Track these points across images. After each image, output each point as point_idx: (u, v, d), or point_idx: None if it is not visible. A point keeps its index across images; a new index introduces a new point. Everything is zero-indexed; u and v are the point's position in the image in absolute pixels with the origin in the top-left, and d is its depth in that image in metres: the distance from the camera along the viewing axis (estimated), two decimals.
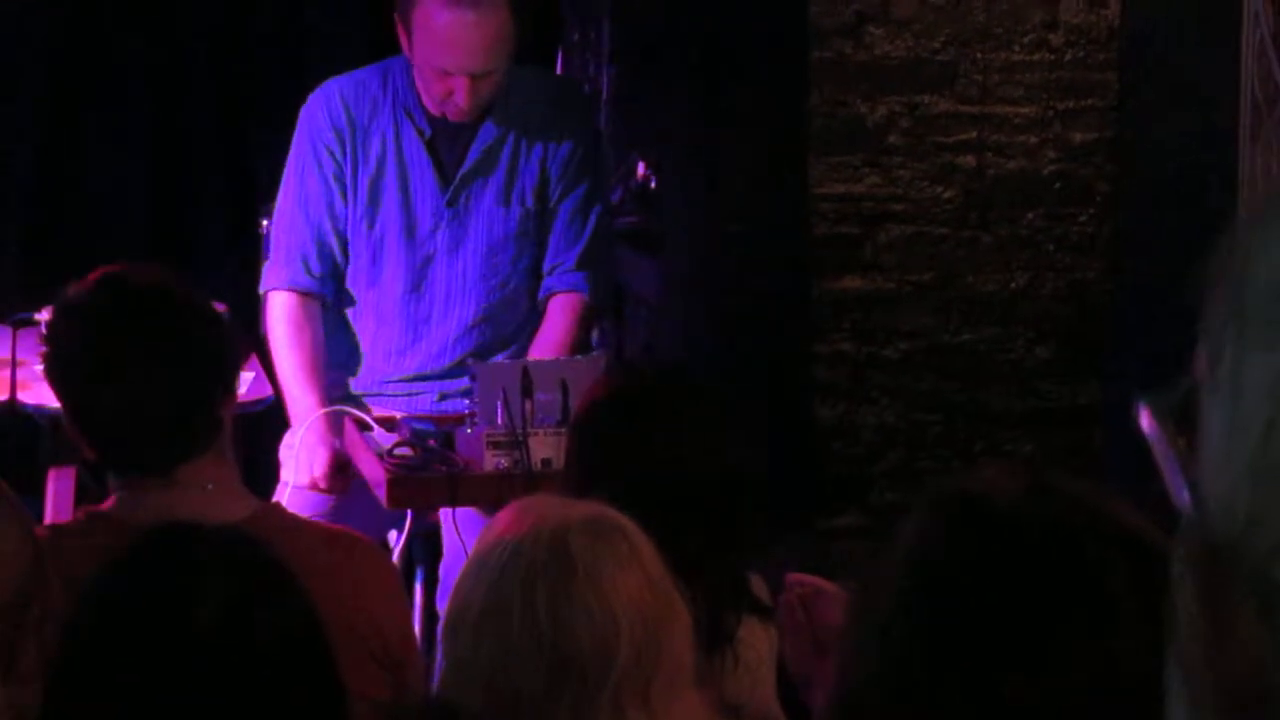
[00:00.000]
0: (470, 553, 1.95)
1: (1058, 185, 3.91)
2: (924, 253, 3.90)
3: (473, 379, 3.34)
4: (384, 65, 3.66)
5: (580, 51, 5.20)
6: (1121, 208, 3.91)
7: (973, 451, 3.90)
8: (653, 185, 4.75)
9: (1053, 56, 3.87)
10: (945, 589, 1.35)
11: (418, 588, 3.53)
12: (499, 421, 3.18)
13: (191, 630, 1.70)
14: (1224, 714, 0.72)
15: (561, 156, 3.66)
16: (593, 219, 3.69)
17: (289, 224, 3.66)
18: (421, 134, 3.61)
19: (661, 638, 1.85)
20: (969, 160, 3.88)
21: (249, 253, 4.17)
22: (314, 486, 3.47)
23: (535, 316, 3.70)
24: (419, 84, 3.57)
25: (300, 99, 3.70)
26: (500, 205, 3.65)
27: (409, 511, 3.41)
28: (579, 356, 3.60)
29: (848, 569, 2.77)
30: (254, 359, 3.69)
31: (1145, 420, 0.77)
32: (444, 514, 3.38)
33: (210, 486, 2.32)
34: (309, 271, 3.63)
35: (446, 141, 3.63)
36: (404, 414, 3.52)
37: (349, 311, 3.70)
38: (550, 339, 3.63)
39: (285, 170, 3.69)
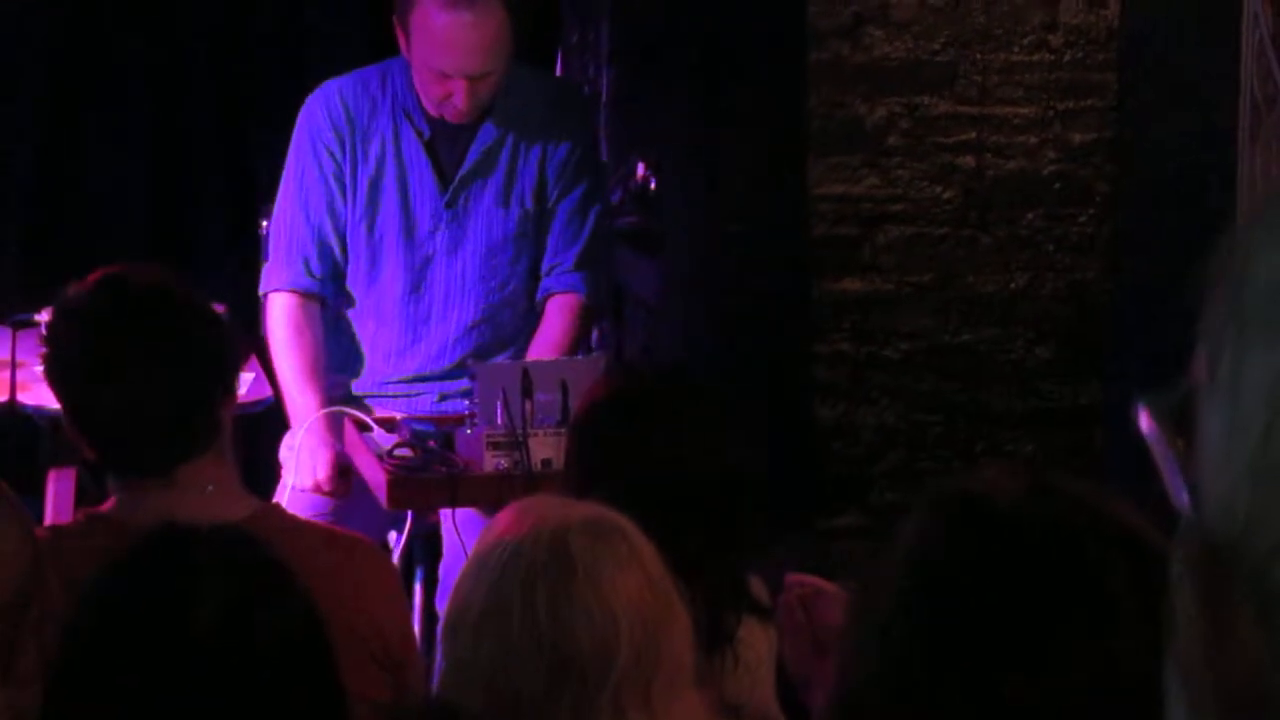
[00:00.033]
0: (470, 553, 1.95)
1: (1057, 186, 3.91)
2: (923, 253, 3.90)
3: (472, 379, 3.34)
4: (383, 66, 3.66)
5: (579, 53, 5.20)
6: (1121, 208, 3.91)
7: (973, 452, 3.90)
8: (652, 186, 4.75)
9: (1052, 57, 3.87)
10: (946, 589, 1.36)
11: (418, 588, 3.53)
12: (499, 422, 3.18)
13: (191, 632, 1.70)
14: (1223, 716, 0.72)
15: (559, 157, 3.66)
16: (591, 219, 3.69)
17: (289, 225, 3.66)
18: (420, 135, 3.61)
19: (661, 638, 1.85)
20: (968, 161, 3.88)
21: (249, 253, 4.17)
22: (317, 490, 3.46)
23: (535, 318, 3.70)
24: (417, 85, 3.57)
25: (300, 99, 3.70)
26: (499, 206, 3.65)
27: (409, 512, 3.41)
28: (578, 357, 3.60)
29: (848, 569, 2.78)
30: (253, 360, 3.69)
31: (1144, 421, 0.77)
32: (444, 515, 3.38)
33: (210, 487, 2.32)
34: (310, 273, 3.63)
35: (445, 143, 3.63)
36: (404, 415, 3.52)
37: (348, 312, 3.70)
38: (548, 340, 3.63)
39: (284, 171, 3.69)
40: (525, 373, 3.20)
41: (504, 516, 1.91)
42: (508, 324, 3.70)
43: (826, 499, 3.91)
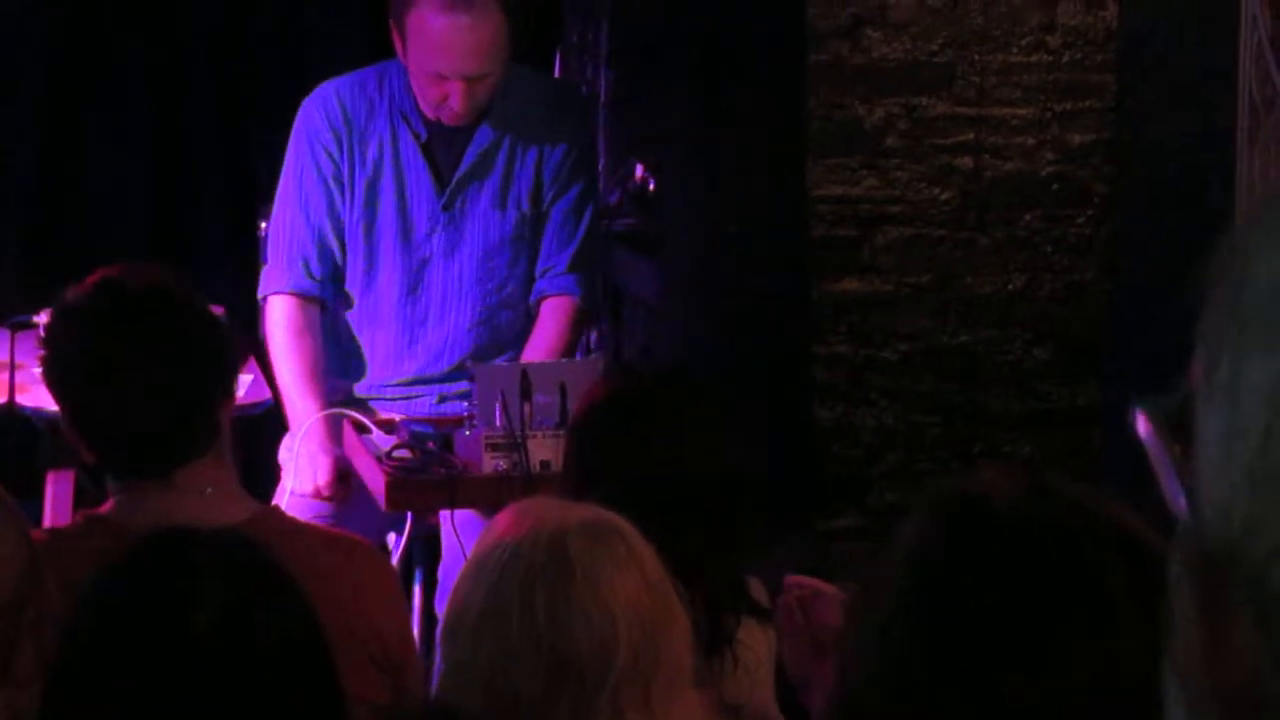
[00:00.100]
0: (469, 555, 1.95)
1: (1055, 187, 3.91)
2: (922, 254, 3.90)
3: (471, 381, 3.34)
4: (380, 68, 3.66)
5: (578, 54, 5.20)
6: (1119, 209, 3.91)
7: (972, 453, 3.90)
8: (651, 187, 4.75)
9: (1050, 58, 3.88)
10: (945, 590, 1.36)
11: (417, 590, 3.53)
12: (498, 424, 3.18)
13: (190, 634, 1.70)
14: (1222, 719, 0.72)
15: (555, 159, 3.66)
16: (585, 221, 3.69)
17: (289, 227, 3.65)
18: (417, 137, 3.61)
19: (660, 640, 1.85)
20: (967, 162, 3.88)
21: (249, 253, 4.17)
22: (316, 495, 3.46)
23: (532, 320, 3.70)
24: (414, 88, 3.57)
25: (300, 99, 3.70)
26: (496, 209, 3.65)
27: (408, 514, 3.41)
28: (577, 359, 3.60)
29: (847, 570, 2.78)
30: (252, 362, 3.69)
31: (1141, 425, 0.77)
32: (443, 516, 3.38)
33: (209, 490, 2.32)
34: (310, 274, 3.63)
35: (442, 145, 3.63)
36: (403, 416, 3.52)
37: (347, 315, 3.69)
38: (542, 343, 3.63)
39: (282, 173, 3.69)
40: (524, 374, 3.20)
41: (503, 518, 1.91)
42: (505, 326, 3.70)
43: (825, 500, 3.91)
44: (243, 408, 3.33)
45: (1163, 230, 3.71)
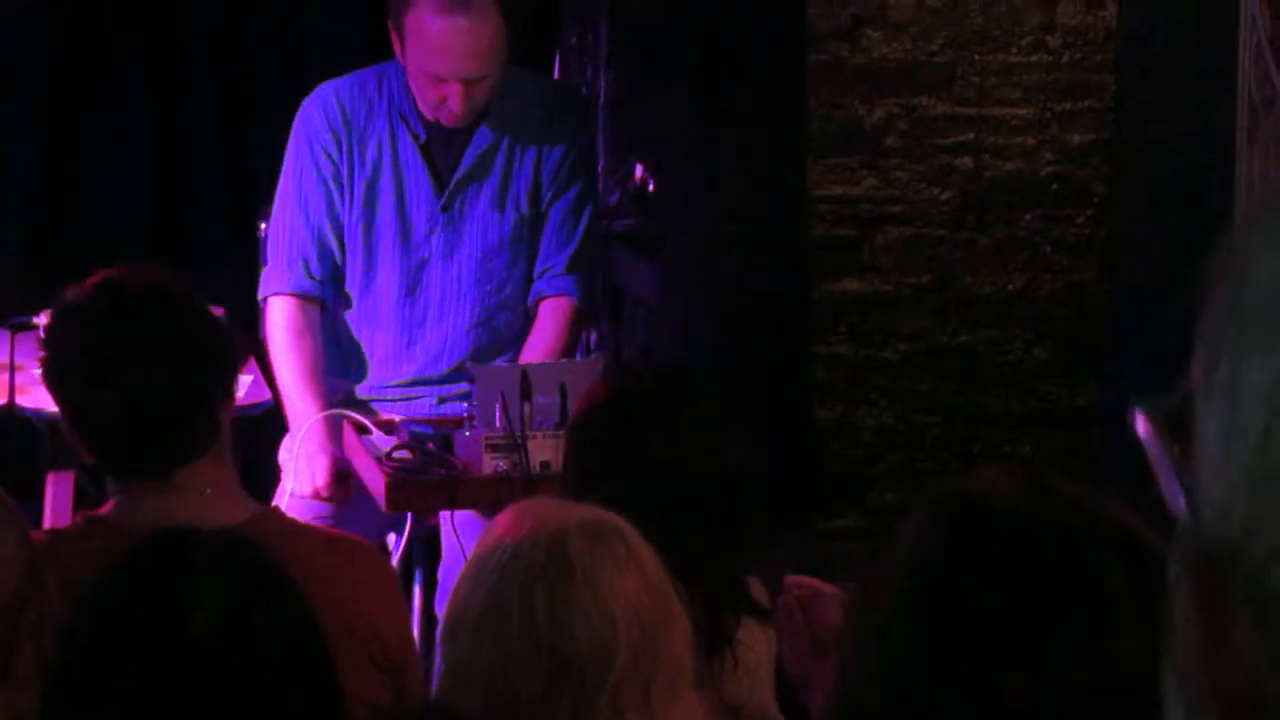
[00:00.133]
0: (469, 556, 1.95)
1: (1055, 187, 3.91)
2: (922, 254, 3.90)
3: (471, 382, 3.34)
4: (379, 69, 3.66)
5: (578, 55, 5.20)
6: (1118, 209, 3.91)
7: (971, 453, 3.90)
8: (650, 188, 4.75)
9: (1050, 58, 3.88)
10: (945, 589, 1.36)
11: (417, 591, 3.53)
12: (497, 424, 3.18)
13: (190, 635, 1.70)
14: (1222, 719, 0.72)
15: (554, 160, 3.66)
16: (583, 222, 3.69)
17: (289, 227, 3.65)
18: (416, 138, 3.61)
19: (660, 640, 1.85)
20: (966, 162, 3.88)
21: (249, 253, 4.17)
22: (316, 496, 3.46)
23: (531, 321, 3.70)
24: (413, 89, 3.57)
25: (300, 99, 3.70)
26: (495, 210, 3.65)
27: (408, 515, 3.41)
28: (577, 359, 3.60)
29: (847, 570, 2.78)
30: (252, 362, 3.69)
31: (1140, 426, 0.77)
32: (443, 517, 3.38)
33: (209, 490, 2.32)
34: (310, 275, 3.63)
35: (441, 146, 3.63)
36: (403, 417, 3.52)
37: (346, 315, 3.69)
38: (540, 344, 3.63)
39: (282, 174, 3.69)
40: (524, 375, 3.20)
41: (503, 519, 1.91)
42: (504, 327, 3.70)
43: (825, 500, 3.91)
44: (243, 408, 3.33)
45: (1162, 230, 3.71)
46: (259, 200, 4.19)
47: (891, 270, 3.89)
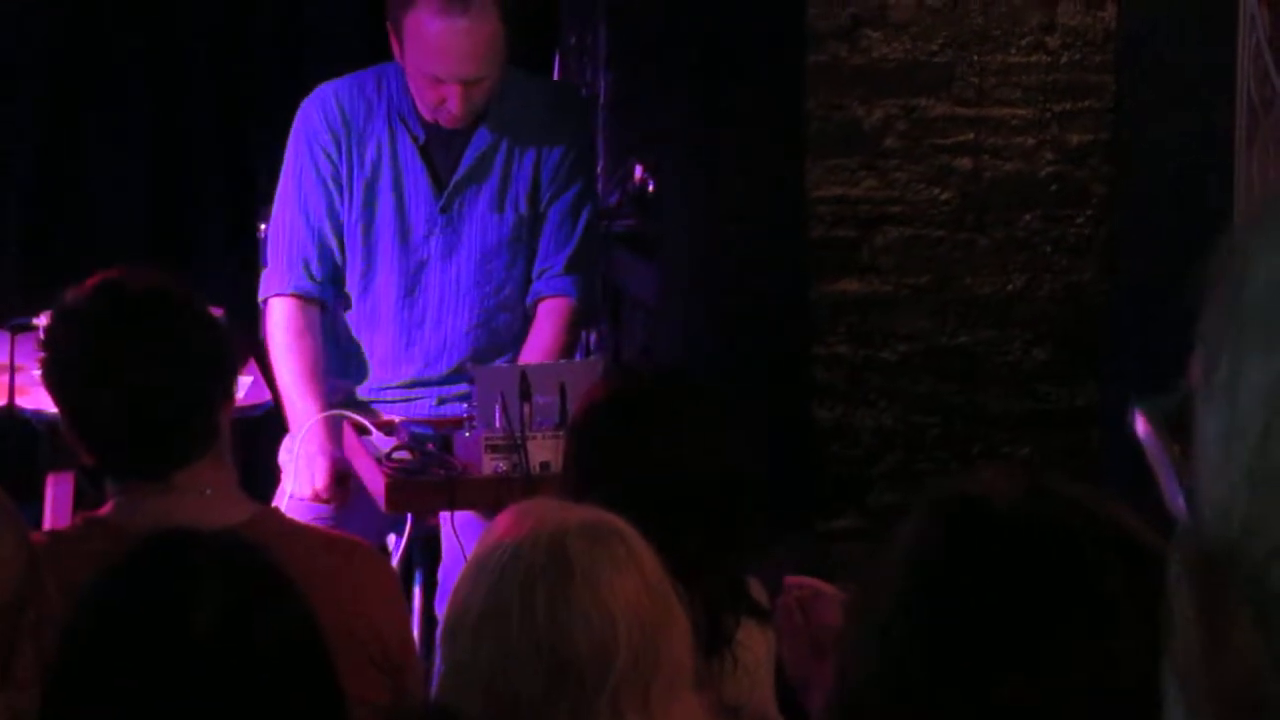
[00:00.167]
0: (469, 556, 1.95)
1: (1054, 187, 3.91)
2: (921, 255, 3.90)
3: (471, 382, 3.34)
4: (378, 70, 3.66)
5: (577, 56, 5.20)
6: (1118, 209, 3.91)
7: (971, 453, 3.90)
8: (650, 189, 4.75)
9: (1049, 59, 3.88)
10: (945, 590, 1.36)
11: (417, 592, 3.53)
12: (497, 425, 3.18)
13: (190, 635, 1.70)
14: (1221, 719, 0.72)
15: (553, 160, 3.66)
16: (582, 222, 3.69)
17: (289, 228, 3.65)
18: (415, 140, 3.61)
19: (659, 641, 1.85)
20: (966, 162, 3.88)
21: (248, 254, 4.17)
22: (315, 498, 3.46)
23: (530, 322, 3.70)
24: (412, 90, 3.57)
25: (300, 99, 3.70)
26: (494, 211, 3.65)
27: (408, 515, 3.41)
28: (576, 360, 3.60)
29: (846, 571, 2.78)
30: (252, 363, 3.69)
31: (1140, 426, 0.78)
32: (443, 518, 3.38)
33: (208, 491, 2.32)
34: (311, 275, 3.63)
35: (440, 147, 3.63)
36: (402, 418, 3.52)
37: (345, 316, 3.70)
38: (538, 345, 3.63)
39: (281, 175, 3.69)
40: (524, 376, 3.20)
41: (503, 519, 1.91)
42: (503, 328, 3.70)
43: (825, 500, 3.91)
44: (242, 409, 3.33)
45: (1162, 231, 3.71)
46: (259, 200, 4.19)
47: (891, 271, 3.89)
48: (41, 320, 2.88)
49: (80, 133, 4.94)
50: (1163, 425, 0.77)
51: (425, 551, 3.55)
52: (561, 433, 3.00)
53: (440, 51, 3.46)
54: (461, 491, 3.20)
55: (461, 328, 3.67)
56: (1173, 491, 0.76)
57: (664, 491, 2.30)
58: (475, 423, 3.22)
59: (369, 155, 3.62)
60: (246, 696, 1.71)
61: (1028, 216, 3.91)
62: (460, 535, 3.29)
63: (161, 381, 2.30)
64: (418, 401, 3.67)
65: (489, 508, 3.01)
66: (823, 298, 3.89)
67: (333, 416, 3.49)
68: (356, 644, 2.24)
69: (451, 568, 3.43)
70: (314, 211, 3.63)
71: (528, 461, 3.13)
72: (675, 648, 1.87)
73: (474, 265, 3.65)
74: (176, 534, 1.82)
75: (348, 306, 3.68)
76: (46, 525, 3.39)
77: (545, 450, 3.13)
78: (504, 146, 3.63)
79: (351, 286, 3.66)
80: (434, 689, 1.98)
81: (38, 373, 2.67)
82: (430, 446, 3.25)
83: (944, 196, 3.89)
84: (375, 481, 3.25)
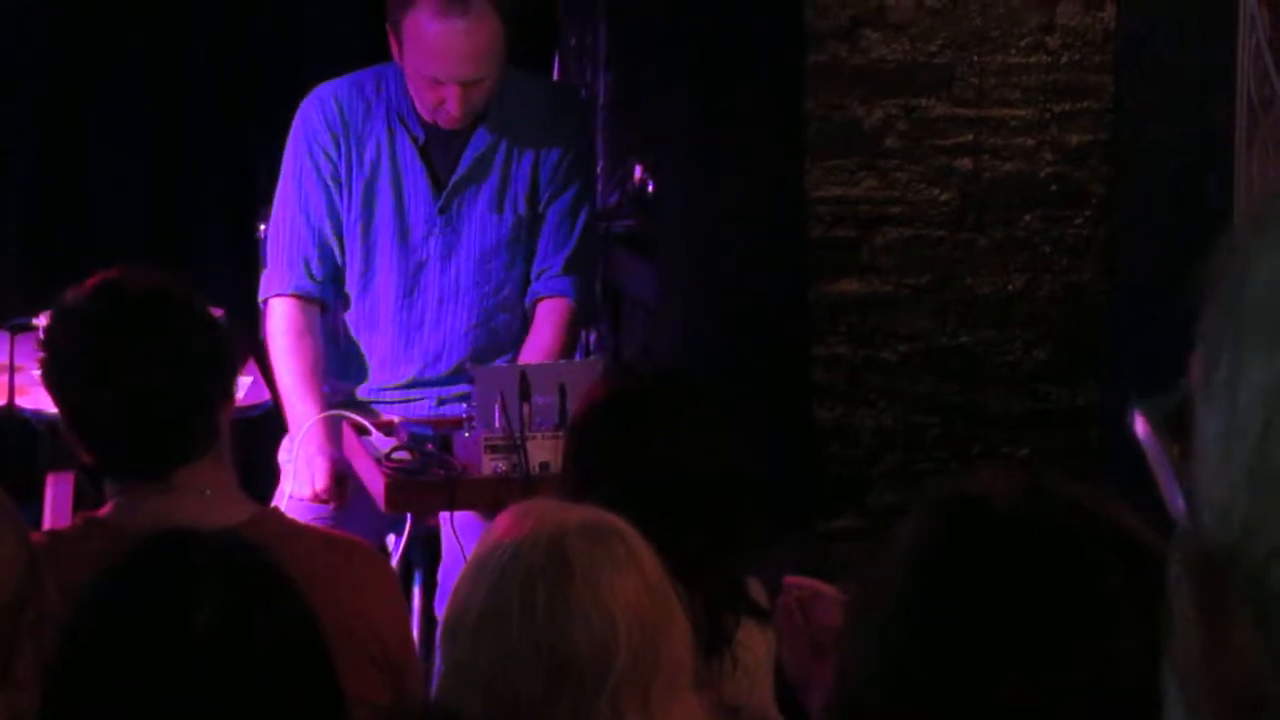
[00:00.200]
0: (469, 557, 1.95)
1: (1054, 188, 3.91)
2: (921, 255, 3.90)
3: (471, 383, 3.34)
4: (377, 70, 3.66)
5: (577, 57, 5.20)
6: (1117, 210, 3.91)
7: (971, 453, 3.90)
8: (650, 189, 4.75)
9: (1049, 59, 3.88)
10: (945, 590, 1.36)
11: (416, 592, 3.53)
12: (497, 425, 3.18)
13: (190, 635, 1.70)
14: (1221, 719, 0.72)
15: (552, 161, 3.66)
16: (580, 222, 3.68)
17: (289, 228, 3.65)
18: (415, 140, 3.61)
19: (659, 642, 1.85)
20: (965, 163, 3.88)
21: (248, 254, 4.18)
22: (315, 499, 3.46)
23: (529, 322, 3.70)
24: (411, 91, 3.57)
25: (300, 99, 3.70)
26: (493, 212, 3.65)
27: (408, 516, 3.41)
28: (576, 360, 3.59)
29: (846, 571, 2.77)
30: (251, 363, 3.69)
31: (1140, 426, 0.78)
32: (443, 518, 3.38)
33: (208, 491, 2.32)
34: (311, 275, 3.63)
35: (439, 148, 3.63)
36: (402, 418, 3.52)
37: (344, 317, 3.69)
38: (537, 345, 3.63)
39: (280, 176, 3.69)
40: (523, 376, 3.20)
41: (502, 520, 1.92)
42: (502, 329, 3.70)
43: (825, 500, 3.91)
44: (242, 409, 3.33)
45: (1161, 231, 3.71)
46: (259, 201, 4.19)
47: (891, 271, 3.89)
48: (41, 320, 2.88)
49: (80, 133, 4.94)
50: (1163, 425, 0.77)
51: (425, 552, 3.55)
52: (561, 433, 3.00)
53: (439, 53, 3.46)
54: (461, 492, 3.20)
55: (460, 328, 3.67)
56: (1173, 491, 0.76)
57: (664, 491, 2.30)
58: (475, 423, 3.22)
59: (368, 156, 3.62)
60: (246, 696, 1.71)
61: (1027, 217, 3.92)
62: (460, 535, 3.29)
63: (161, 381, 2.30)
64: (417, 403, 3.67)
65: (488, 508, 3.01)
66: (822, 298, 3.89)
67: (332, 417, 3.49)
68: (356, 644, 2.24)
69: (451, 568, 3.43)
70: (314, 211, 3.63)
71: (527, 462, 3.13)
72: (675, 648, 1.87)
73: (473, 266, 3.65)
74: (176, 534, 1.82)
75: (347, 306, 3.68)
76: (46, 525, 3.39)
77: (545, 450, 3.13)
78: (503, 147, 3.63)
79: (351, 287, 3.66)
80: (434, 689, 1.98)
81: (37, 373, 2.67)
82: (430, 447, 3.25)
83: (944, 197, 3.90)
84: (375, 482, 3.25)
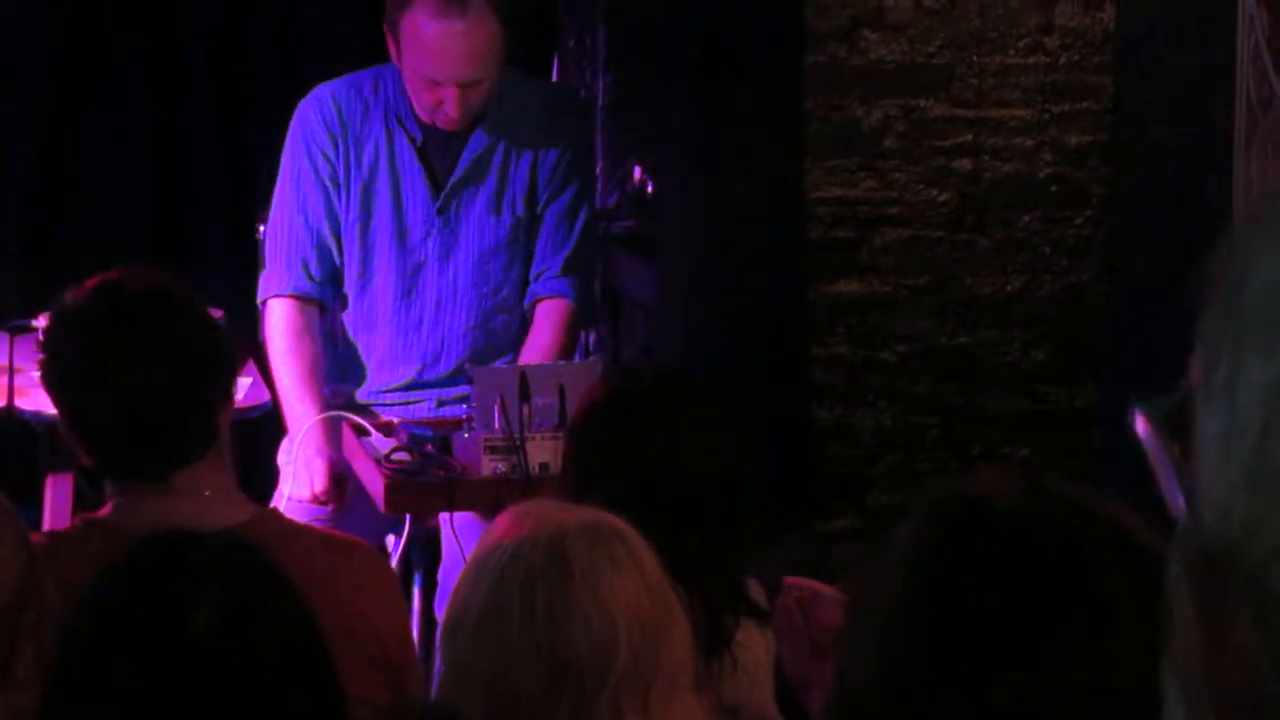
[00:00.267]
0: (468, 557, 1.95)
1: (1053, 188, 3.92)
2: (920, 256, 3.90)
3: (470, 383, 3.34)
4: (375, 71, 3.66)
5: (576, 58, 5.20)
6: (1117, 210, 3.91)
7: (970, 454, 3.90)
8: (649, 190, 4.75)
9: (1048, 60, 3.88)
10: (944, 590, 1.36)
11: (416, 593, 3.53)
12: (496, 426, 3.18)
13: (190, 636, 1.70)
14: (1221, 719, 0.72)
15: (550, 162, 3.66)
16: (579, 223, 3.68)
17: (288, 228, 3.65)
18: (413, 141, 3.61)
19: (659, 642, 1.85)
20: (965, 163, 3.89)
21: (248, 254, 4.17)
22: (314, 500, 3.46)
23: (528, 324, 3.70)
24: (409, 92, 3.57)
25: (300, 99, 3.70)
26: (491, 213, 3.65)
27: (407, 516, 3.41)
28: (576, 360, 3.59)
29: (846, 571, 2.78)
30: (251, 364, 3.69)
31: (1140, 426, 0.78)
32: (442, 519, 3.38)
33: (208, 492, 2.32)
34: (310, 276, 3.63)
35: (438, 149, 3.63)
36: (401, 419, 3.52)
37: (343, 317, 3.69)
38: (536, 346, 3.62)
39: (279, 176, 3.69)
40: (523, 377, 3.20)
41: (502, 520, 1.92)
42: (501, 330, 3.69)
43: (825, 501, 3.91)
44: (241, 410, 3.33)
45: (1161, 231, 3.71)
46: (259, 201, 4.19)
47: (890, 271, 3.89)
48: (40, 322, 2.88)
49: (80, 133, 4.93)
50: (1163, 425, 0.77)
51: (424, 552, 3.55)
52: (560, 434, 3.00)
53: (437, 54, 3.46)
54: (460, 493, 3.20)
55: (459, 329, 3.67)
56: (1173, 491, 0.76)
57: (664, 491, 2.30)
58: (474, 424, 3.22)
59: (366, 157, 3.62)
60: (246, 696, 1.71)
61: (1027, 217, 3.92)
62: (460, 536, 3.29)
63: (161, 382, 2.30)
64: (417, 404, 3.67)
65: (488, 509, 3.01)
66: (822, 298, 3.90)
67: (331, 418, 3.49)
68: (356, 644, 2.24)
69: (451, 569, 3.43)
70: (312, 212, 3.63)
71: (527, 462, 3.13)
72: (675, 648, 1.87)
73: (471, 267, 3.65)
74: (176, 535, 1.82)
75: (345, 307, 3.68)
76: (46, 526, 3.39)
77: (544, 451, 3.13)
78: (501, 148, 3.63)
79: (349, 287, 3.66)
80: (434, 689, 1.98)
81: (37, 374, 2.67)
82: (429, 447, 3.25)
83: (943, 197, 3.90)
84: (374, 483, 3.25)
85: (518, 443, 3.14)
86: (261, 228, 3.88)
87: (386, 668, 2.31)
